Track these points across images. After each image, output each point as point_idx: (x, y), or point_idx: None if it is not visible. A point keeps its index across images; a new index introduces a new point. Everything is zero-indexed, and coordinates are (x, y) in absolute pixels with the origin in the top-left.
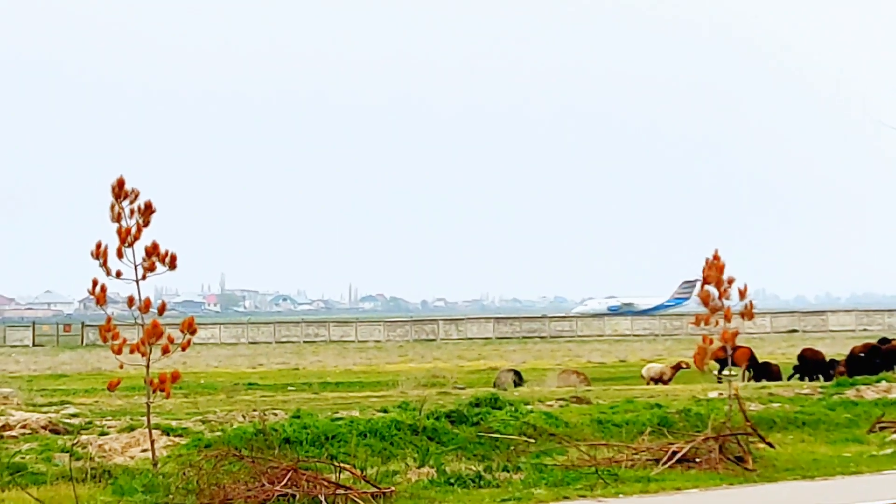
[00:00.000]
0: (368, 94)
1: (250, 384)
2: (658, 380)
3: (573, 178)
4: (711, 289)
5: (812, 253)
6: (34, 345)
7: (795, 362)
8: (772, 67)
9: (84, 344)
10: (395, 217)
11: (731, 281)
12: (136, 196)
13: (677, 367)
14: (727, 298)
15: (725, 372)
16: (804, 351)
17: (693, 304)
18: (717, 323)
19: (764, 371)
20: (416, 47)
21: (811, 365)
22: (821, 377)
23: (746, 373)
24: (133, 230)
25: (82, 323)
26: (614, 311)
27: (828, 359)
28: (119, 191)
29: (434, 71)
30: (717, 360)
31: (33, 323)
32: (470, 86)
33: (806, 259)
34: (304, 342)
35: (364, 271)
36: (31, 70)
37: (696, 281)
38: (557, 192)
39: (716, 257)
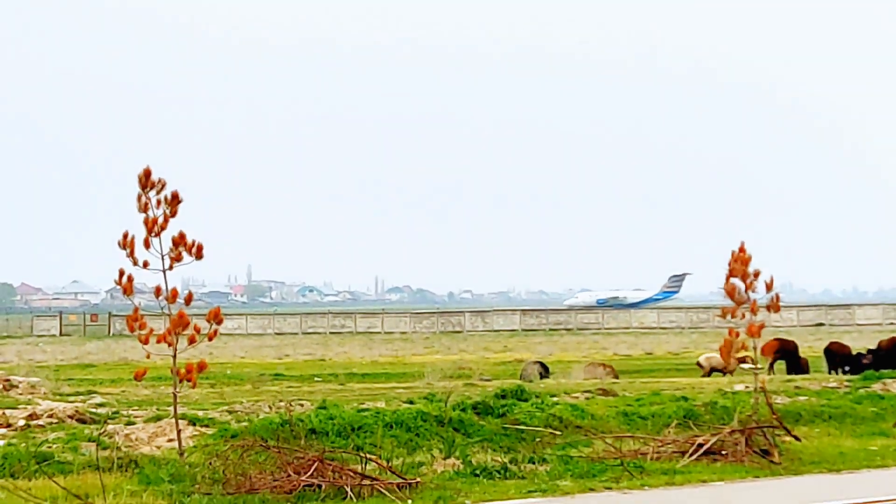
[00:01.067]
0: (396, 85)
1: (276, 375)
2: (717, 370)
3: (602, 169)
4: (737, 282)
5: (839, 247)
6: (61, 334)
7: (821, 355)
8: (797, 56)
9: (111, 334)
10: (423, 209)
11: (756, 274)
12: (163, 186)
13: (741, 359)
14: (753, 291)
15: (747, 365)
16: (831, 344)
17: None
18: (743, 316)
19: (796, 364)
20: (441, 33)
21: (838, 358)
22: (846, 370)
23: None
24: (160, 220)
25: (109, 313)
26: (602, 304)
27: (854, 352)
28: (146, 181)
29: (463, 61)
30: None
31: (60, 313)
32: (498, 78)
33: (833, 253)
34: (331, 333)
35: (391, 263)
36: (59, 57)
37: (684, 275)
38: (585, 184)
39: (741, 250)
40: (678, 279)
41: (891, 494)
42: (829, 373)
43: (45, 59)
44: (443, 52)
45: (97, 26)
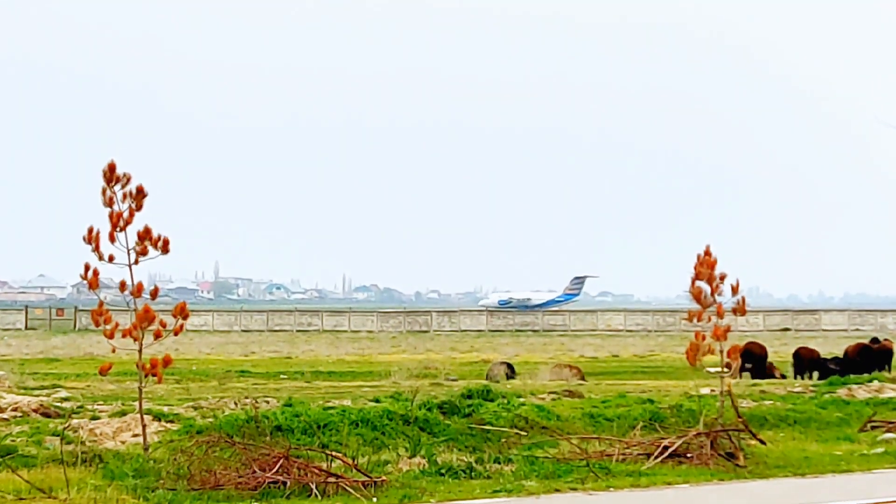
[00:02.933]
0: (365, 87)
1: (242, 372)
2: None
3: (567, 171)
4: (703, 285)
5: (806, 252)
6: (26, 328)
7: (789, 360)
8: (761, 72)
9: (76, 328)
10: (390, 208)
11: (722, 277)
12: (128, 180)
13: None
14: (719, 294)
15: (715, 370)
16: (799, 349)
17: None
18: (709, 319)
19: (761, 369)
20: (405, 50)
21: (806, 363)
22: (815, 375)
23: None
24: (125, 214)
25: (75, 307)
26: (503, 306)
27: (822, 357)
28: (110, 175)
29: (431, 70)
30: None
31: (26, 306)
32: (465, 83)
33: (799, 258)
34: (297, 331)
35: (358, 262)
36: (24, 59)
37: (585, 277)
38: (552, 185)
39: (707, 253)
40: (579, 281)
41: (855, 499)
42: (796, 378)
43: (10, 47)
44: (406, 62)
45: (59, 25)
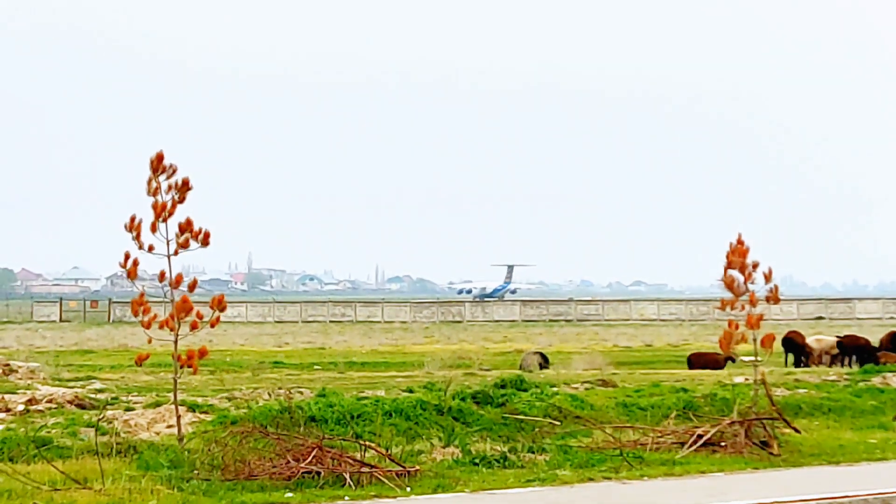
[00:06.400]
0: (396, 75)
1: (276, 363)
2: (828, 354)
3: (603, 161)
4: (736, 273)
5: (840, 240)
6: (61, 320)
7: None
8: (810, 59)
9: (111, 320)
10: (423, 199)
11: (755, 265)
12: (174, 171)
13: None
14: (752, 283)
15: (749, 359)
16: (844, 338)
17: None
18: (742, 307)
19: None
20: (420, 27)
21: (851, 351)
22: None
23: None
24: (168, 205)
25: (109, 299)
26: (461, 294)
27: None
28: (157, 165)
29: (460, 51)
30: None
31: (60, 299)
32: (497, 66)
33: (834, 246)
34: (331, 322)
35: (391, 252)
36: (65, 45)
37: (513, 265)
38: (585, 174)
39: (739, 241)
40: (510, 270)
41: (890, 487)
42: (842, 366)
43: (50, 44)
44: (439, 43)
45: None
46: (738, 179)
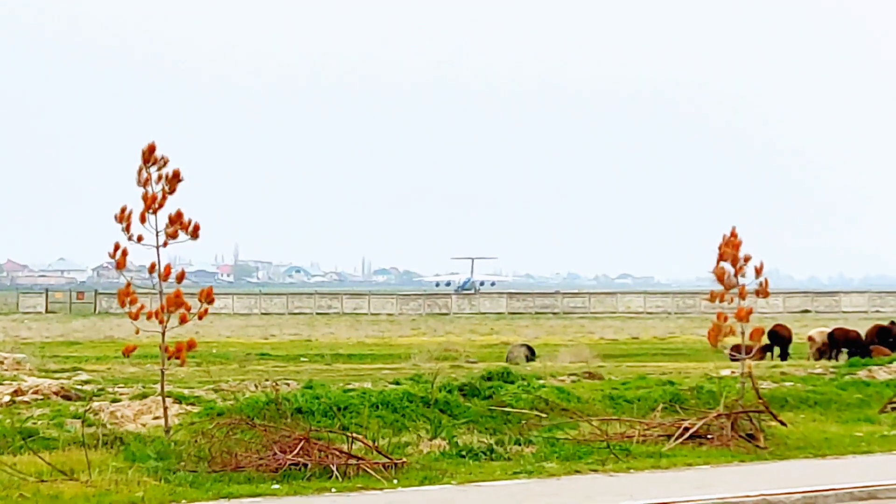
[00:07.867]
0: (386, 70)
1: (262, 354)
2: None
3: (589, 153)
4: (727, 266)
5: (826, 234)
6: (47, 311)
7: (805, 342)
8: (802, 59)
9: (97, 312)
10: (410, 191)
11: (747, 258)
12: (165, 163)
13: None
14: (742, 276)
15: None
16: (835, 330)
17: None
18: (731, 300)
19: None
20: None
21: (842, 345)
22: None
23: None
24: (158, 197)
25: (95, 291)
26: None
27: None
28: (149, 156)
29: (454, 48)
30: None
31: (46, 290)
32: (484, 63)
33: (820, 240)
34: (317, 314)
35: (378, 244)
36: (50, 37)
37: (474, 259)
38: (571, 166)
39: (733, 234)
40: (472, 264)
41: (875, 480)
42: (830, 359)
43: (36, 32)
44: (433, 42)
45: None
46: (726, 173)
